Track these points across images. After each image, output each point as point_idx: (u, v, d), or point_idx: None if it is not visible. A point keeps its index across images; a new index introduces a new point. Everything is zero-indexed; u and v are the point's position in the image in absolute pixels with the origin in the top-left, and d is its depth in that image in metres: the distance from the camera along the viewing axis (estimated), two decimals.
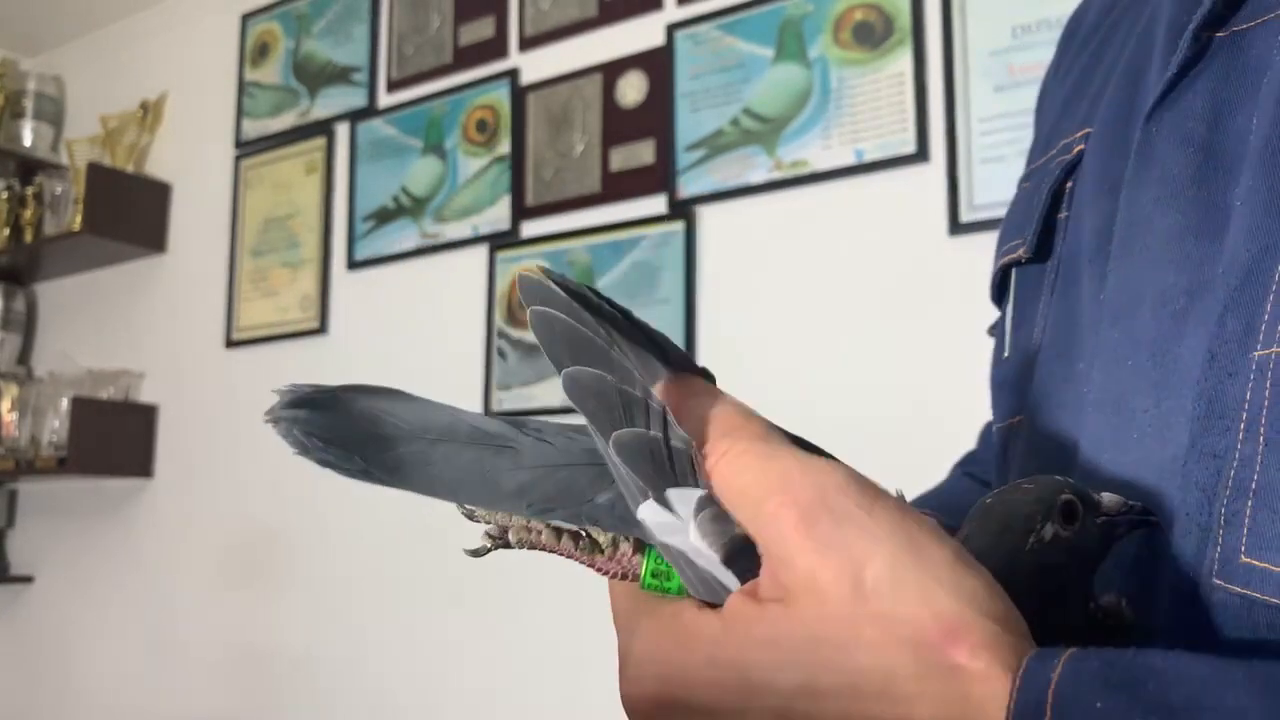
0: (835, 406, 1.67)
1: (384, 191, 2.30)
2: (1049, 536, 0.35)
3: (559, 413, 1.86)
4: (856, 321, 1.69)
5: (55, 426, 2.60)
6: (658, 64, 1.96)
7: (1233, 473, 0.34)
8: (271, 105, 2.55)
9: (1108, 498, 0.36)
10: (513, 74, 2.15)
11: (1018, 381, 0.53)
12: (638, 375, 0.34)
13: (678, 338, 1.86)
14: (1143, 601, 0.37)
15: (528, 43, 2.14)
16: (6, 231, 2.81)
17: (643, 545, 0.37)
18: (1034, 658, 0.29)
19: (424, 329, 2.20)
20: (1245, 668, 0.27)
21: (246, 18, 2.64)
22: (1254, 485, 0.33)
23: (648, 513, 0.34)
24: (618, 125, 1.99)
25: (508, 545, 0.38)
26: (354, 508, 2.21)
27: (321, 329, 2.36)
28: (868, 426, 1.62)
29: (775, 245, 1.80)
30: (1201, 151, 0.40)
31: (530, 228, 2.08)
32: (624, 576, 0.37)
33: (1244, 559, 0.33)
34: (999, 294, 0.58)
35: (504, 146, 2.14)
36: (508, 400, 2.02)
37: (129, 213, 2.66)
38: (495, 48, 2.19)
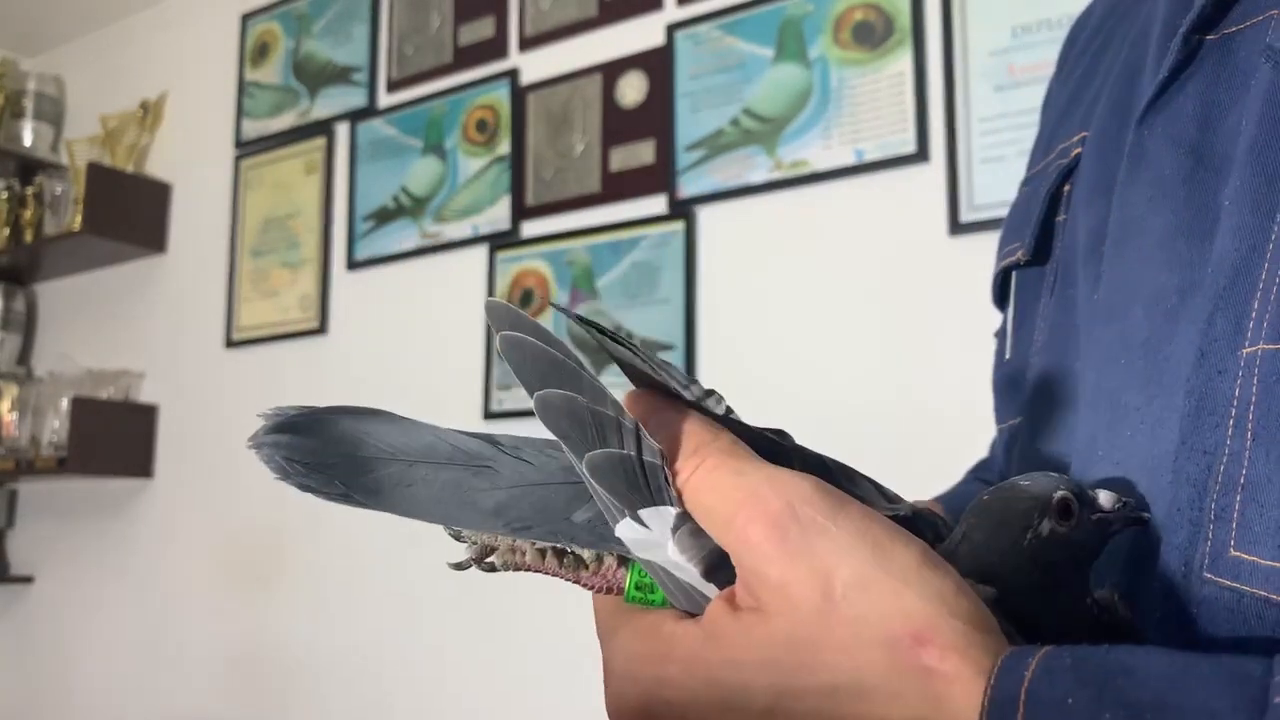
0: (835, 406, 1.67)
1: (384, 191, 2.31)
2: (1045, 532, 0.36)
3: None
4: (856, 321, 1.69)
5: (55, 426, 2.60)
6: (658, 64, 1.96)
7: (1222, 468, 0.34)
8: (271, 105, 2.55)
9: (1103, 495, 0.36)
10: (513, 74, 2.15)
11: (1019, 383, 0.53)
12: (609, 394, 0.35)
13: (678, 338, 1.86)
14: (1135, 595, 0.38)
15: (528, 43, 2.14)
16: (6, 231, 2.81)
17: (626, 559, 0.37)
18: (1010, 656, 0.30)
19: (424, 329, 2.21)
20: (1212, 663, 0.28)
21: (246, 18, 2.64)
22: (1243, 480, 0.33)
23: (626, 530, 0.34)
24: (618, 125, 1.99)
25: (493, 569, 0.39)
26: (353, 508, 2.21)
27: (321, 329, 2.37)
28: (868, 426, 1.62)
29: (775, 245, 1.80)
30: (1192, 153, 0.41)
31: (530, 228, 2.08)
32: (609, 591, 0.38)
33: (1233, 552, 0.33)
34: (1000, 297, 0.59)
35: (504, 146, 2.14)
36: (508, 400, 2.02)
37: (129, 213, 2.66)
38: (495, 48, 2.19)
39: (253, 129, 2.58)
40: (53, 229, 2.71)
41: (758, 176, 1.81)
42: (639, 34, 1.99)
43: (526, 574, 0.40)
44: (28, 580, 2.84)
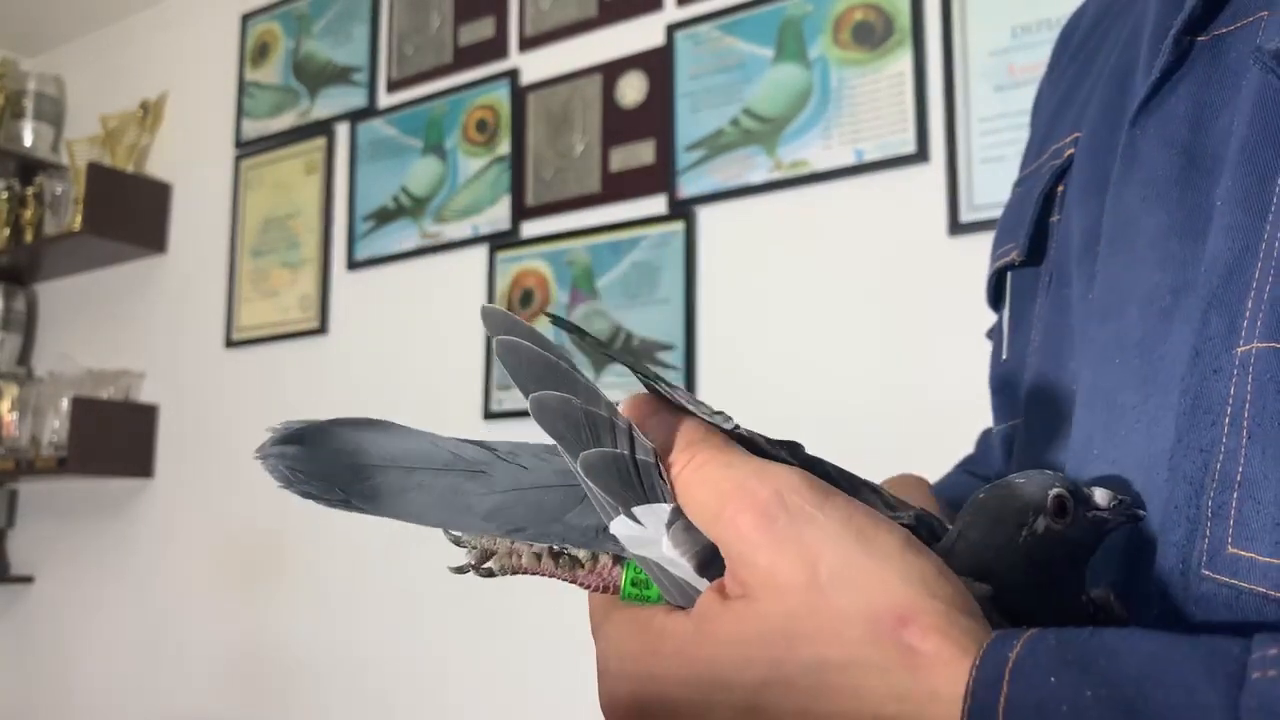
0: (835, 406, 1.67)
1: (384, 191, 2.31)
2: (1041, 529, 0.36)
3: None
4: (856, 321, 1.70)
5: (55, 426, 2.60)
6: (658, 64, 1.96)
7: (1219, 466, 0.34)
8: (271, 105, 2.55)
9: (1099, 492, 0.37)
10: (513, 74, 2.15)
11: (1015, 383, 0.54)
12: (602, 396, 0.36)
13: (678, 338, 1.86)
14: (1132, 593, 0.38)
15: (528, 43, 2.14)
16: (7, 231, 2.81)
17: (622, 558, 0.38)
18: (996, 638, 0.30)
19: (424, 329, 2.21)
20: (1193, 642, 0.29)
21: (246, 18, 2.64)
22: (1239, 477, 0.34)
23: (620, 527, 0.35)
24: (618, 125, 1.99)
25: (491, 574, 0.39)
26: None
27: (321, 329, 2.37)
28: (868, 425, 1.62)
29: (775, 245, 1.80)
30: (1184, 153, 0.41)
31: (530, 228, 2.08)
32: (606, 589, 0.39)
33: (1231, 549, 0.33)
34: (995, 297, 0.60)
35: (504, 146, 2.14)
36: (508, 400, 2.02)
37: (129, 213, 2.67)
38: (495, 48, 2.19)
39: (253, 129, 2.58)
40: (53, 229, 2.71)
41: (758, 176, 1.81)
42: (639, 34, 1.99)
43: (525, 579, 0.40)
44: (28, 580, 2.85)
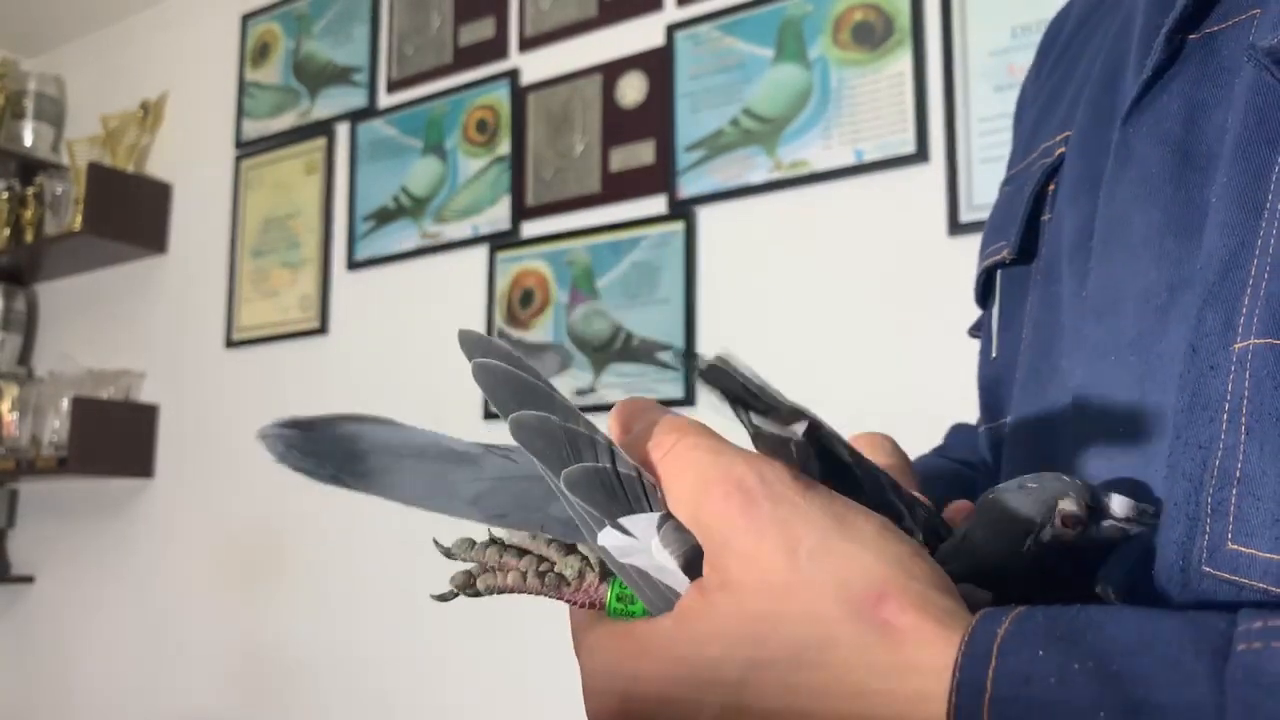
0: (835, 406, 1.67)
1: (384, 192, 2.31)
2: (1047, 539, 0.36)
3: None
4: (856, 321, 1.70)
5: (56, 426, 2.60)
6: (658, 64, 1.96)
7: (1218, 462, 0.34)
8: (272, 105, 2.55)
9: (1117, 501, 0.36)
10: (513, 74, 2.15)
11: (1006, 382, 0.54)
12: (580, 414, 0.36)
13: (678, 338, 1.86)
14: (1132, 591, 0.38)
15: (528, 43, 2.14)
16: (7, 232, 2.81)
17: (607, 574, 0.39)
18: (985, 615, 0.31)
19: (424, 329, 2.21)
20: (1179, 617, 0.29)
21: (247, 18, 2.64)
22: (1238, 474, 0.34)
23: (608, 539, 0.35)
24: (618, 125, 1.99)
25: (477, 593, 0.40)
26: (353, 508, 2.21)
27: (321, 329, 2.37)
28: (867, 426, 1.62)
29: (775, 245, 1.80)
30: (1178, 151, 0.41)
31: (530, 228, 2.08)
32: (592, 605, 0.39)
33: (1231, 546, 0.34)
34: (983, 295, 0.60)
35: (504, 147, 2.14)
36: None
37: (129, 213, 2.67)
38: (495, 48, 2.19)
39: (253, 129, 2.58)
40: (53, 229, 2.71)
41: (758, 176, 1.81)
42: (639, 34, 2.00)
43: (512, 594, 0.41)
44: (28, 580, 2.85)
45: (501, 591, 0.40)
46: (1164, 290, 0.40)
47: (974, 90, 1.63)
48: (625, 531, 0.35)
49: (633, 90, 1.99)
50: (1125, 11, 0.50)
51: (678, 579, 0.35)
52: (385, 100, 2.35)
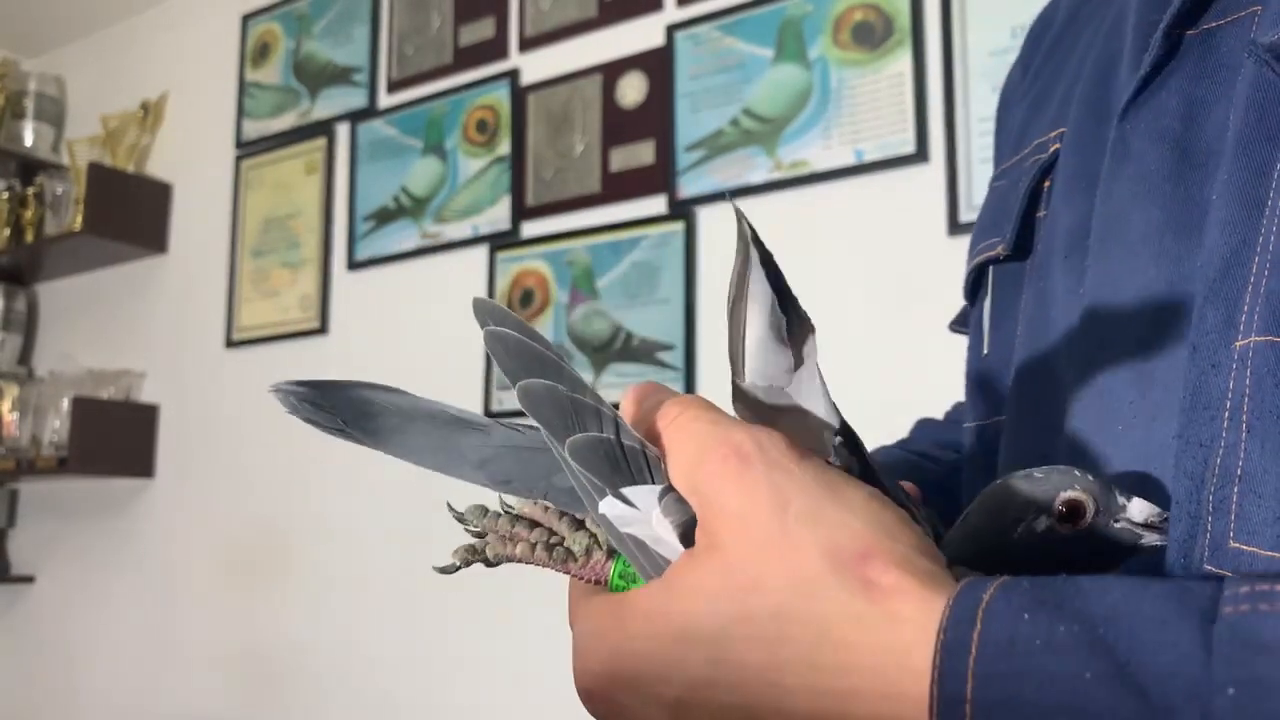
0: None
1: (384, 192, 2.31)
2: (1040, 529, 0.35)
3: None
4: (856, 321, 1.70)
5: (56, 426, 2.60)
6: (658, 64, 1.96)
7: (1219, 460, 0.34)
8: (272, 105, 2.55)
9: (1137, 505, 0.36)
10: (513, 74, 2.15)
11: (1000, 379, 0.54)
12: (588, 385, 0.37)
13: (678, 338, 1.86)
14: None
15: (528, 43, 2.14)
16: (7, 232, 2.81)
17: (613, 552, 0.39)
18: (970, 582, 0.31)
19: (424, 329, 2.21)
20: (1166, 582, 0.29)
21: (247, 18, 2.64)
22: (1239, 472, 0.34)
23: (608, 507, 0.36)
24: (618, 125, 1.99)
25: (485, 561, 0.40)
26: (354, 507, 2.21)
27: (322, 329, 2.37)
28: (866, 426, 1.62)
29: (775, 245, 1.78)
30: (1176, 148, 0.41)
31: (530, 228, 2.09)
32: (596, 581, 0.39)
33: (1233, 544, 0.33)
34: (973, 292, 0.59)
35: (504, 147, 2.14)
36: (508, 400, 2.02)
37: (129, 213, 2.67)
38: (495, 48, 2.19)
39: (253, 129, 2.58)
40: (54, 229, 2.71)
41: (758, 177, 1.81)
42: (639, 34, 2.00)
43: (529, 575, 0.41)
44: (29, 580, 2.85)
45: (509, 561, 0.40)
46: (1163, 288, 0.40)
47: (974, 90, 1.63)
48: (626, 501, 0.36)
49: (633, 90, 1.99)
50: (1116, 8, 0.50)
51: (674, 549, 0.36)
52: (385, 100, 2.35)
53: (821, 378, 0.36)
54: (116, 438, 2.56)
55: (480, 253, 2.14)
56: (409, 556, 2.09)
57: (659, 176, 1.92)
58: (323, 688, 2.23)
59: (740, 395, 0.36)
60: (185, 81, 2.78)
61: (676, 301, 1.87)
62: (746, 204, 1.83)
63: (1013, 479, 0.37)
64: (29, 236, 2.78)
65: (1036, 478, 0.36)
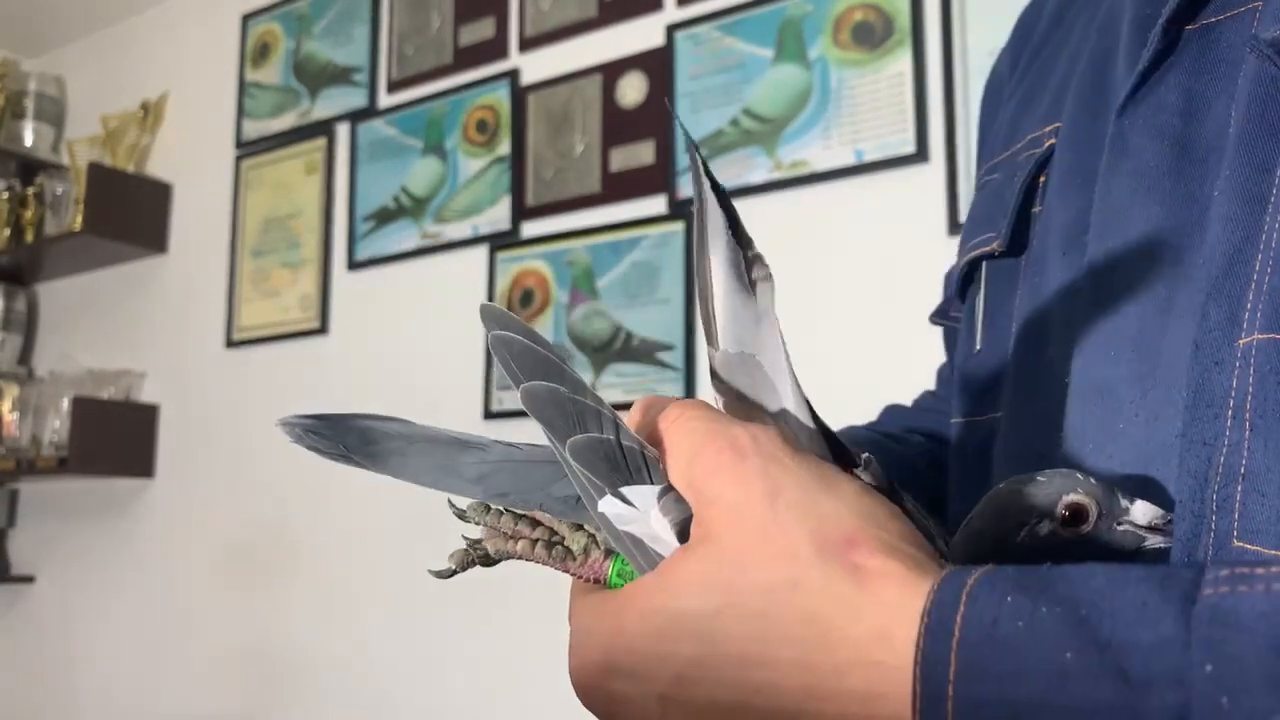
0: (834, 406, 1.67)
1: (384, 192, 2.31)
2: (1043, 533, 0.35)
3: None
4: (856, 321, 1.70)
5: (56, 426, 2.60)
6: (658, 64, 1.96)
7: (1222, 459, 0.34)
8: (272, 105, 2.55)
9: (1139, 507, 0.36)
10: (513, 74, 2.15)
11: (993, 376, 0.53)
12: (589, 388, 0.38)
13: (678, 338, 1.86)
14: None
15: (528, 43, 2.14)
16: (7, 232, 2.81)
17: (611, 552, 0.40)
18: (954, 570, 0.31)
19: (424, 329, 2.21)
20: (1147, 568, 0.29)
21: (247, 18, 2.64)
22: (1243, 470, 0.34)
23: (607, 506, 0.37)
24: (618, 125, 1.99)
25: (485, 559, 0.42)
26: (355, 508, 2.21)
27: (322, 329, 2.37)
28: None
29: (775, 245, 1.79)
30: (1176, 144, 0.41)
31: (530, 228, 2.09)
32: (595, 580, 0.40)
33: (1236, 543, 0.33)
34: (962, 287, 0.59)
35: (504, 147, 2.14)
36: (508, 400, 2.02)
37: (129, 213, 2.67)
38: (495, 48, 2.19)
39: (253, 129, 2.58)
40: (53, 229, 2.71)
41: (758, 177, 1.81)
42: (639, 34, 2.00)
43: (530, 575, 0.42)
44: (29, 580, 2.85)
45: (509, 558, 0.41)
46: (1163, 286, 0.40)
47: (974, 90, 1.63)
48: (625, 500, 0.37)
49: (633, 90, 1.99)
50: (1109, 2, 0.50)
51: (671, 547, 0.36)
52: (385, 100, 2.35)
53: (780, 333, 0.37)
54: (116, 438, 2.56)
55: (480, 253, 2.14)
56: (409, 556, 2.09)
57: (659, 176, 1.92)
58: (323, 688, 2.23)
59: (715, 376, 0.37)
60: (185, 81, 2.78)
61: (676, 301, 1.87)
62: (747, 204, 1.83)
63: (1015, 483, 0.37)
64: (29, 236, 2.78)
65: (1039, 481, 0.36)
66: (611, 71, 2.02)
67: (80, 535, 2.76)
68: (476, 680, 2.02)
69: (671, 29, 1.94)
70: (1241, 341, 0.35)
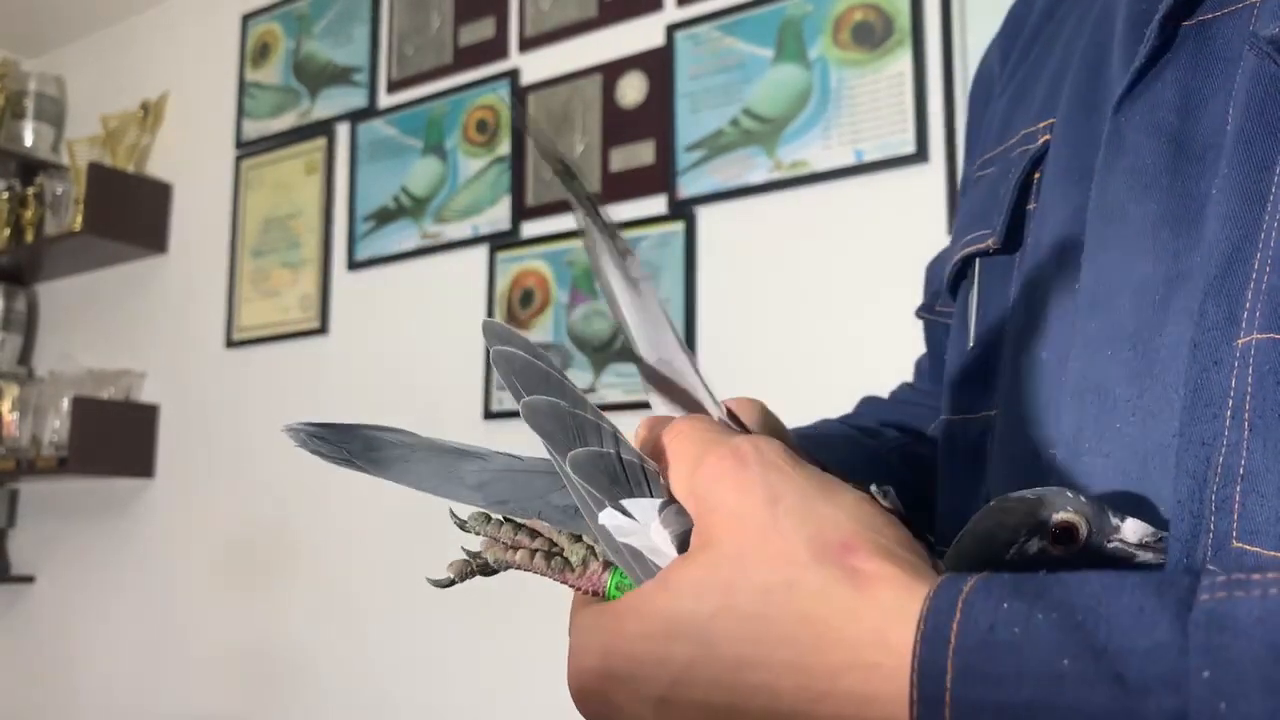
0: (835, 407, 1.67)
1: (384, 192, 2.31)
2: (1033, 551, 0.35)
3: None
4: (856, 321, 1.70)
5: (56, 426, 2.60)
6: (658, 64, 1.96)
7: (1221, 459, 0.34)
8: (272, 105, 2.55)
9: (1131, 525, 0.36)
10: (513, 74, 2.15)
11: (987, 373, 0.53)
12: (590, 403, 0.39)
13: None
14: None
15: (528, 43, 2.14)
16: (7, 232, 2.81)
17: (610, 564, 0.40)
18: (950, 576, 0.31)
19: (424, 329, 2.21)
20: (1144, 574, 0.29)
21: (247, 18, 2.64)
22: (1242, 471, 0.33)
23: (607, 518, 0.37)
24: (618, 125, 1.99)
25: (485, 569, 0.42)
26: (355, 508, 2.21)
27: (322, 329, 2.37)
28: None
29: (775, 246, 1.80)
30: (1173, 141, 0.41)
31: (530, 228, 2.08)
32: (594, 592, 0.41)
33: (1236, 544, 0.33)
34: (954, 284, 0.58)
35: (504, 147, 2.14)
36: (508, 400, 2.02)
37: (129, 213, 2.67)
38: (495, 48, 2.19)
39: (253, 129, 2.58)
40: (53, 229, 2.71)
41: (758, 177, 1.81)
42: (639, 34, 2.00)
43: (530, 576, 0.42)
44: (29, 580, 2.85)
45: (508, 567, 0.42)
46: (1161, 284, 0.40)
47: None
48: (626, 513, 0.37)
49: (633, 90, 1.99)
50: None
51: (670, 559, 0.36)
52: (385, 100, 2.35)
53: (675, 332, 0.38)
54: (116, 438, 2.56)
55: (480, 253, 2.14)
56: (409, 556, 2.09)
57: (659, 176, 1.92)
58: (323, 688, 2.23)
59: (646, 386, 0.38)
60: (185, 81, 2.78)
61: (676, 301, 1.87)
62: (747, 204, 1.83)
63: (1005, 500, 0.37)
64: (29, 236, 2.78)
65: (1029, 499, 0.36)
66: (611, 71, 2.02)
67: (80, 535, 2.76)
68: (476, 680, 2.02)
69: (671, 29, 1.94)
70: (1240, 341, 0.34)
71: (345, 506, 2.23)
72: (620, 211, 1.97)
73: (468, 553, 0.43)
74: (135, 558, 2.63)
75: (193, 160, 2.71)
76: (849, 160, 1.73)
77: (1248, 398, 0.34)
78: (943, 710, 0.29)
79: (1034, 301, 0.48)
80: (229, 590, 2.43)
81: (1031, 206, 0.51)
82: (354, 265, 2.34)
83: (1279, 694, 0.25)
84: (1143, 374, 0.40)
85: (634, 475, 0.37)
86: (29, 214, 2.79)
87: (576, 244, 2.00)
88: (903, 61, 1.70)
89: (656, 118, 1.94)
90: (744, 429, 0.39)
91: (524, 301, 2.06)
